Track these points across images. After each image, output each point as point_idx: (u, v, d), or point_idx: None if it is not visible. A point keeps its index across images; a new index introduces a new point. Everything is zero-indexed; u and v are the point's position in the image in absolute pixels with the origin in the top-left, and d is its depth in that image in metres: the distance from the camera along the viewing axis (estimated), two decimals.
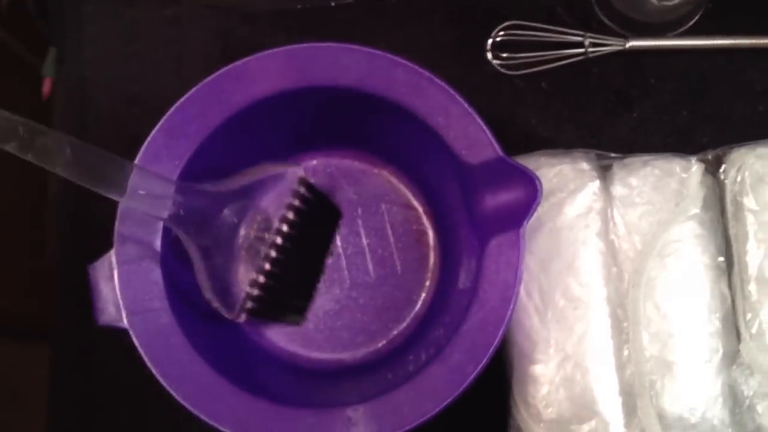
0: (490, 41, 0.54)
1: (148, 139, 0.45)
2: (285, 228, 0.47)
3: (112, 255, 0.44)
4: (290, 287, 0.49)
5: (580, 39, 0.54)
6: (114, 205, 0.43)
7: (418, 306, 0.50)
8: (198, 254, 0.45)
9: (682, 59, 0.54)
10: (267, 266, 0.47)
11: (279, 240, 0.47)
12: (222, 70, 0.45)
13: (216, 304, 0.46)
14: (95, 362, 0.54)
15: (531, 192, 0.42)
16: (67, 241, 0.55)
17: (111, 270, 0.43)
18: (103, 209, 0.45)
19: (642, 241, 0.47)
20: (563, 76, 0.54)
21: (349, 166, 0.52)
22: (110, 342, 0.45)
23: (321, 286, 0.50)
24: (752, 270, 0.46)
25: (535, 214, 0.43)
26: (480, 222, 0.45)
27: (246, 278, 0.47)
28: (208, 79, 0.45)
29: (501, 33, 0.54)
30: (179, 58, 0.56)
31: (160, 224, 0.44)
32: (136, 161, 0.44)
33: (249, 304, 0.46)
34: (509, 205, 0.43)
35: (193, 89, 0.45)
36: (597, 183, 0.48)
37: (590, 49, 0.54)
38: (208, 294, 0.46)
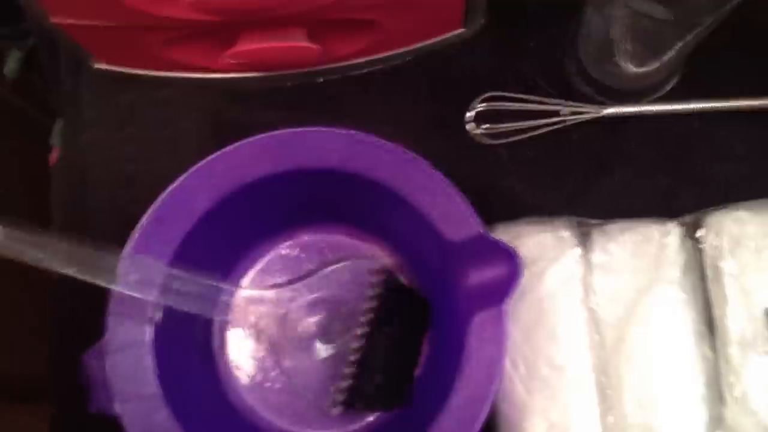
0: (472, 112, 0.56)
1: (139, 226, 0.46)
2: (369, 320, 0.48)
3: (104, 343, 0.45)
4: (386, 379, 0.49)
5: (558, 108, 0.55)
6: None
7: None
8: (268, 347, 0.48)
9: (660, 124, 0.56)
10: (356, 358, 0.48)
11: (365, 331, 0.48)
12: (211, 157, 0.47)
13: (303, 396, 0.48)
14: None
15: (513, 269, 0.44)
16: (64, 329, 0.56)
17: (103, 359, 0.44)
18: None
19: (623, 308, 0.48)
20: (545, 144, 0.55)
21: (339, 241, 0.53)
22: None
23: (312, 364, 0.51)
24: (733, 333, 0.47)
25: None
26: (464, 298, 0.46)
27: (335, 371, 0.49)
28: (198, 165, 0.47)
29: (482, 104, 0.56)
30: (173, 138, 0.57)
31: (151, 311, 0.45)
32: (127, 248, 0.46)
33: (341, 398, 0.48)
34: (492, 281, 0.45)
35: (183, 176, 0.47)
36: (577, 250, 0.49)
37: (568, 117, 0.55)
38: (292, 384, 0.48)
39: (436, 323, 0.51)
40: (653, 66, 0.54)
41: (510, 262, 0.44)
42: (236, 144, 0.47)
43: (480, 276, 0.45)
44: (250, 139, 0.47)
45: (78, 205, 0.57)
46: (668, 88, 0.57)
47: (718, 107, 0.56)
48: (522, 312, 0.48)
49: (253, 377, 0.51)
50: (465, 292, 0.46)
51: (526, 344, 0.48)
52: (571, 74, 0.57)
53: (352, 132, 0.47)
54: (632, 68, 0.55)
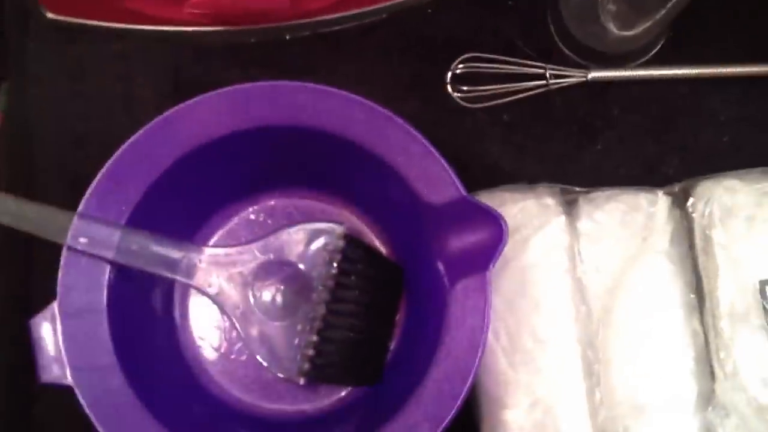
0: (449, 74, 0.53)
1: (93, 183, 0.43)
2: (331, 286, 0.45)
3: (54, 307, 0.41)
4: (353, 348, 0.46)
5: (541, 71, 0.53)
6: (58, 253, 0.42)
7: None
8: (232, 314, 0.45)
9: (645, 89, 0.54)
10: (319, 325, 0.44)
11: (327, 297, 0.44)
12: (169, 111, 0.44)
13: (268, 365, 0.45)
14: (35, 424, 0.51)
15: (496, 233, 0.41)
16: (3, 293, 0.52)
17: (54, 324, 0.41)
18: (46, 257, 0.43)
19: (611, 278, 0.46)
20: (525, 109, 0.53)
21: (309, 206, 0.50)
22: (52, 400, 0.43)
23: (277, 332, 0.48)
24: (724, 306, 0.45)
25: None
26: (445, 265, 0.43)
27: (299, 338, 0.45)
28: (156, 120, 0.43)
29: (460, 66, 0.53)
30: (129, 96, 0.53)
31: (107, 275, 0.42)
32: (81, 206, 0.42)
33: (306, 366, 0.44)
34: (474, 246, 0.42)
35: (140, 131, 0.43)
36: (563, 218, 0.47)
37: (551, 81, 0.53)
38: (257, 355, 0.45)
39: (413, 292, 0.48)
40: (638, 29, 0.52)
41: (494, 226, 0.41)
42: (197, 98, 0.44)
43: (461, 241, 0.42)
44: (213, 92, 0.44)
45: (25, 165, 0.53)
46: (653, 53, 0.54)
47: (704, 73, 0.54)
48: (504, 281, 0.46)
49: (217, 348, 0.48)
50: (445, 259, 0.43)
51: (509, 315, 0.45)
52: (553, 36, 0.55)
53: (324, 87, 0.44)
54: (616, 30, 0.52)
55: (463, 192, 0.42)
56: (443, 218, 0.43)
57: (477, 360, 0.40)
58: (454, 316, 0.41)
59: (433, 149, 0.43)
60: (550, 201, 0.47)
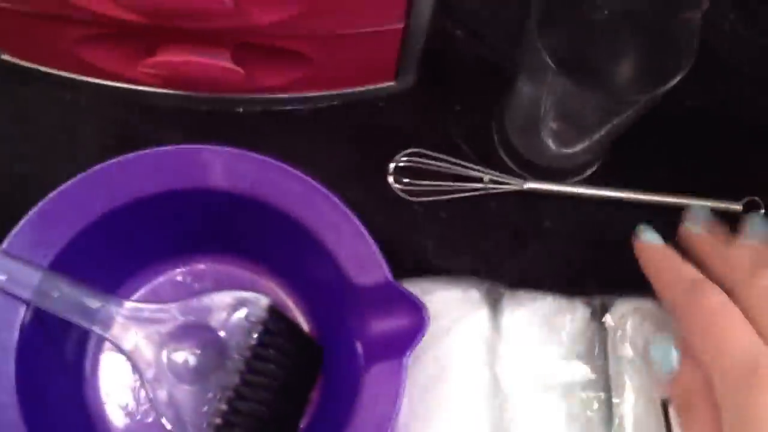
0: (392, 165, 0.54)
1: (21, 222, 0.42)
2: (248, 356, 0.44)
3: None
4: (262, 423, 0.45)
5: (480, 175, 0.54)
6: None
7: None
8: (144, 372, 0.44)
9: (577, 205, 0.55)
10: (230, 395, 0.44)
11: (242, 368, 0.44)
12: (106, 163, 0.44)
13: (173, 429, 0.44)
14: None
15: (418, 321, 0.41)
16: None
17: None
18: None
19: (528, 377, 0.46)
20: (462, 208, 0.54)
21: (237, 274, 0.50)
22: None
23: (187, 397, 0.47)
24: (627, 420, 0.46)
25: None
26: (363, 346, 0.43)
27: (208, 406, 0.44)
28: (92, 170, 0.43)
29: (404, 159, 0.54)
30: (73, 144, 0.53)
31: (21, 315, 0.41)
32: (4, 243, 0.42)
33: None
34: (394, 332, 0.42)
35: (75, 179, 0.43)
36: (485, 312, 0.47)
37: (489, 185, 0.54)
38: (164, 417, 0.44)
39: (330, 369, 0.48)
40: (576, 147, 0.54)
41: (416, 314, 0.42)
42: (139, 152, 0.44)
43: (382, 325, 0.43)
44: (157, 149, 0.44)
45: None
46: (589, 172, 0.57)
47: (632, 198, 0.56)
48: (421, 367, 0.46)
49: (124, 407, 0.47)
50: (364, 340, 0.43)
51: (420, 404, 0.45)
52: (495, 143, 0.56)
53: (265, 157, 0.44)
54: (555, 147, 0.54)
55: (390, 277, 0.43)
56: (367, 300, 0.43)
57: None
58: (365, 400, 0.41)
59: (365, 232, 0.44)
60: (475, 294, 0.48)
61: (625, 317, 0.48)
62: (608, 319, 0.49)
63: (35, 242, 0.42)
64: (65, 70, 0.53)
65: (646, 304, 0.49)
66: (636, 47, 0.48)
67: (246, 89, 0.53)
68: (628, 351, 0.47)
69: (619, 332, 0.48)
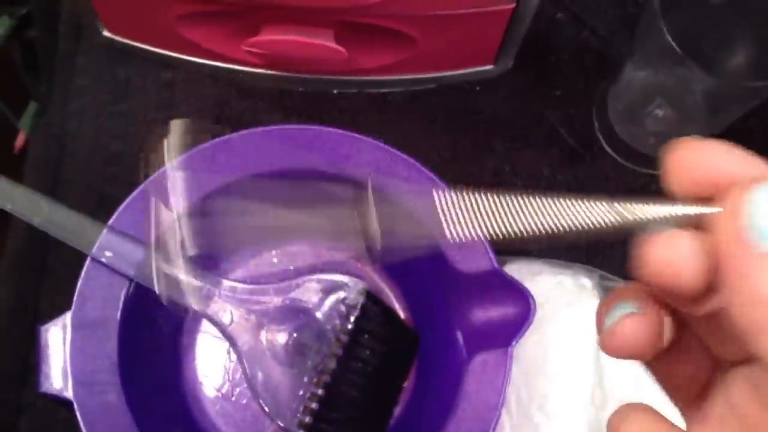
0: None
1: (128, 199, 0.42)
2: (345, 341, 0.43)
3: (67, 317, 0.40)
4: (357, 409, 0.44)
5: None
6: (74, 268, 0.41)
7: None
8: (241, 351, 0.43)
9: None
10: (327, 379, 0.43)
11: (339, 352, 0.43)
12: (217, 140, 0.43)
13: (269, 412, 0.43)
14: None
15: (524, 310, 0.40)
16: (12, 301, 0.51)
17: (64, 333, 0.40)
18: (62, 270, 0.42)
19: (630, 376, 0.45)
20: None
21: (331, 257, 0.49)
22: (38, 415, 0.41)
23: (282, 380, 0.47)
24: None
25: None
26: (465, 336, 0.42)
27: (304, 390, 0.43)
28: (204, 146, 0.43)
29: None
30: (169, 122, 0.53)
31: (125, 292, 0.41)
32: (112, 220, 0.42)
33: (307, 419, 0.42)
34: (498, 320, 0.41)
35: (186, 154, 0.43)
36: (596, 302, 0.46)
37: None
38: (260, 399, 0.43)
39: (426, 359, 0.47)
40: (680, 138, 0.52)
41: (522, 302, 0.40)
42: (250, 130, 0.44)
43: (485, 314, 0.42)
44: (268, 128, 0.44)
45: (50, 174, 0.52)
46: None
47: None
48: (526, 351, 0.45)
49: (218, 388, 0.47)
50: (465, 330, 0.42)
51: (522, 386, 0.44)
52: (596, 130, 0.55)
53: (373, 140, 0.44)
54: (658, 136, 0.53)
55: (496, 264, 0.42)
56: (470, 288, 0.42)
57: None
58: (469, 390, 0.40)
59: None
60: (586, 282, 0.46)
61: None
62: None
63: (141, 219, 0.42)
64: (164, 48, 0.53)
65: None
66: (754, 34, 0.46)
67: (346, 71, 0.52)
68: None
69: None
